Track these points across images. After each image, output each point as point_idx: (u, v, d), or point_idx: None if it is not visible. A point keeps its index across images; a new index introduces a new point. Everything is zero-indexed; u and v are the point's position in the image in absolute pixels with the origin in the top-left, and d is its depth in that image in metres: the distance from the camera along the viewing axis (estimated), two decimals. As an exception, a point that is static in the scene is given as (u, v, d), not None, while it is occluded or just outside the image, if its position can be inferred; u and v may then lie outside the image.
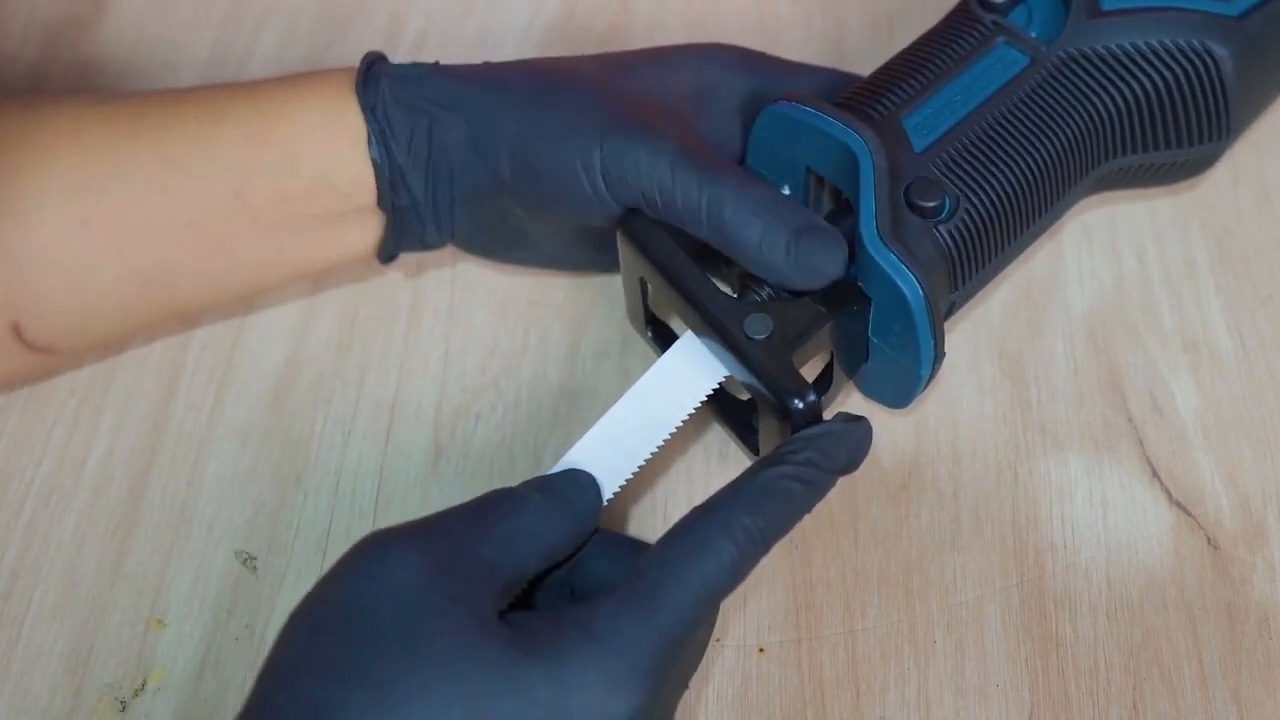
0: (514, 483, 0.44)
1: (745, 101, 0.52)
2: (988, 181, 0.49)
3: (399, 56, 0.56)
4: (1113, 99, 0.51)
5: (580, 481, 0.44)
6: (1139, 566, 0.51)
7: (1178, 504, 0.52)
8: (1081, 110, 0.50)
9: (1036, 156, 0.49)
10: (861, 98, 0.51)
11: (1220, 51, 0.51)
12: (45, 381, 0.56)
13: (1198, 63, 0.51)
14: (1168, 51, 0.51)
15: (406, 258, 0.58)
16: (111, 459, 0.54)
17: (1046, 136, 0.50)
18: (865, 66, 0.54)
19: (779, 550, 0.51)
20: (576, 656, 0.37)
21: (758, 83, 0.52)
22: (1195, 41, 0.51)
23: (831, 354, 0.49)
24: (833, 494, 0.52)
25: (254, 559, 0.52)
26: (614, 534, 0.45)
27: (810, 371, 0.48)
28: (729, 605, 0.50)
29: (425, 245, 0.54)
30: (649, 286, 0.50)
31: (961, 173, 0.48)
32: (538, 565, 0.42)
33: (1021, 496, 0.52)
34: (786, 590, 0.50)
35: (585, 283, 0.58)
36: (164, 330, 0.58)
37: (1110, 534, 0.51)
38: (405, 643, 0.37)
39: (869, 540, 0.52)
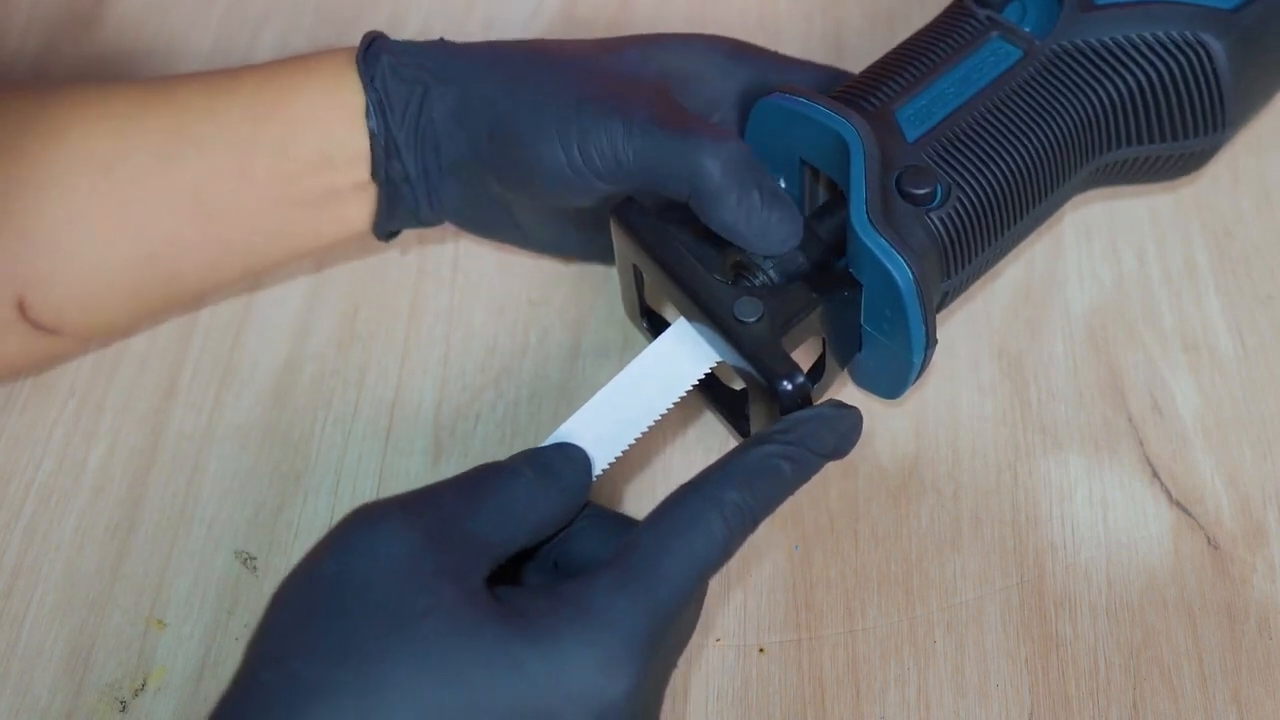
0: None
1: (737, 93, 0.52)
2: (980, 170, 0.49)
3: (399, 56, 0.56)
4: (1106, 92, 0.51)
5: (571, 455, 0.44)
6: (1139, 566, 0.51)
7: (1178, 504, 0.52)
8: (1075, 102, 0.51)
9: (1029, 147, 0.50)
10: (855, 90, 0.51)
11: (1214, 44, 0.51)
12: (46, 381, 0.56)
13: (1192, 55, 0.51)
14: (1161, 44, 0.51)
15: (407, 258, 0.58)
16: (111, 459, 0.54)
17: (1039, 127, 0.50)
18: (864, 64, 0.54)
19: (779, 550, 0.51)
20: (571, 635, 0.37)
21: (750, 75, 0.53)
22: (1189, 34, 0.51)
23: (824, 343, 0.49)
24: (832, 494, 0.52)
25: (254, 559, 0.52)
26: (603, 509, 0.44)
27: (804, 363, 0.48)
28: (729, 605, 0.50)
29: (420, 221, 0.54)
30: (643, 276, 0.51)
31: (953, 161, 0.49)
32: (526, 539, 0.41)
33: (1021, 496, 0.52)
34: (786, 590, 0.50)
35: (585, 283, 0.58)
36: (167, 315, 0.58)
37: (1110, 534, 0.51)
38: (394, 620, 0.37)
39: (869, 540, 0.52)
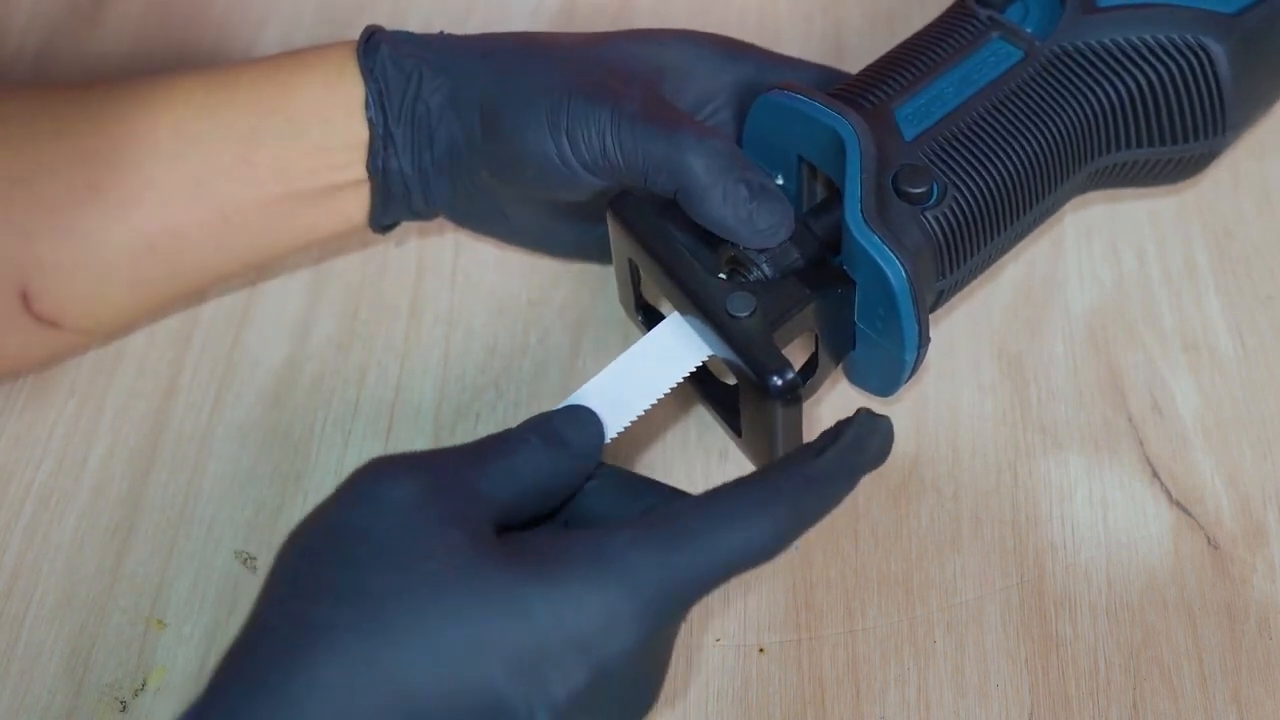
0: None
1: (729, 90, 0.52)
2: (976, 170, 0.49)
3: (399, 56, 0.56)
4: (1107, 94, 0.51)
5: (581, 418, 0.43)
6: (1139, 566, 0.51)
7: (1178, 504, 0.52)
8: (1074, 103, 0.51)
9: (1026, 147, 0.50)
10: (854, 88, 0.51)
11: (1216, 48, 0.51)
12: (45, 381, 0.56)
13: (1192, 59, 0.51)
14: (1162, 47, 0.51)
15: (407, 256, 0.58)
16: (111, 459, 0.54)
17: (1037, 128, 0.50)
18: (864, 65, 0.54)
19: (779, 550, 0.51)
20: (578, 579, 0.37)
21: (743, 72, 0.53)
22: (1190, 38, 0.51)
23: (817, 340, 0.49)
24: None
25: (254, 559, 0.52)
26: (618, 470, 0.44)
27: (798, 360, 0.48)
28: (729, 605, 0.50)
29: (415, 214, 0.55)
30: (639, 270, 0.51)
31: (950, 161, 0.49)
32: (535, 502, 0.41)
33: (1021, 496, 0.52)
34: (786, 590, 0.50)
35: (585, 283, 0.58)
36: (168, 309, 0.58)
37: (1110, 534, 0.51)
38: (398, 562, 0.37)
39: (869, 540, 0.52)
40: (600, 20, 0.68)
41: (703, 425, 0.55)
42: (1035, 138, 0.50)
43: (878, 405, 0.54)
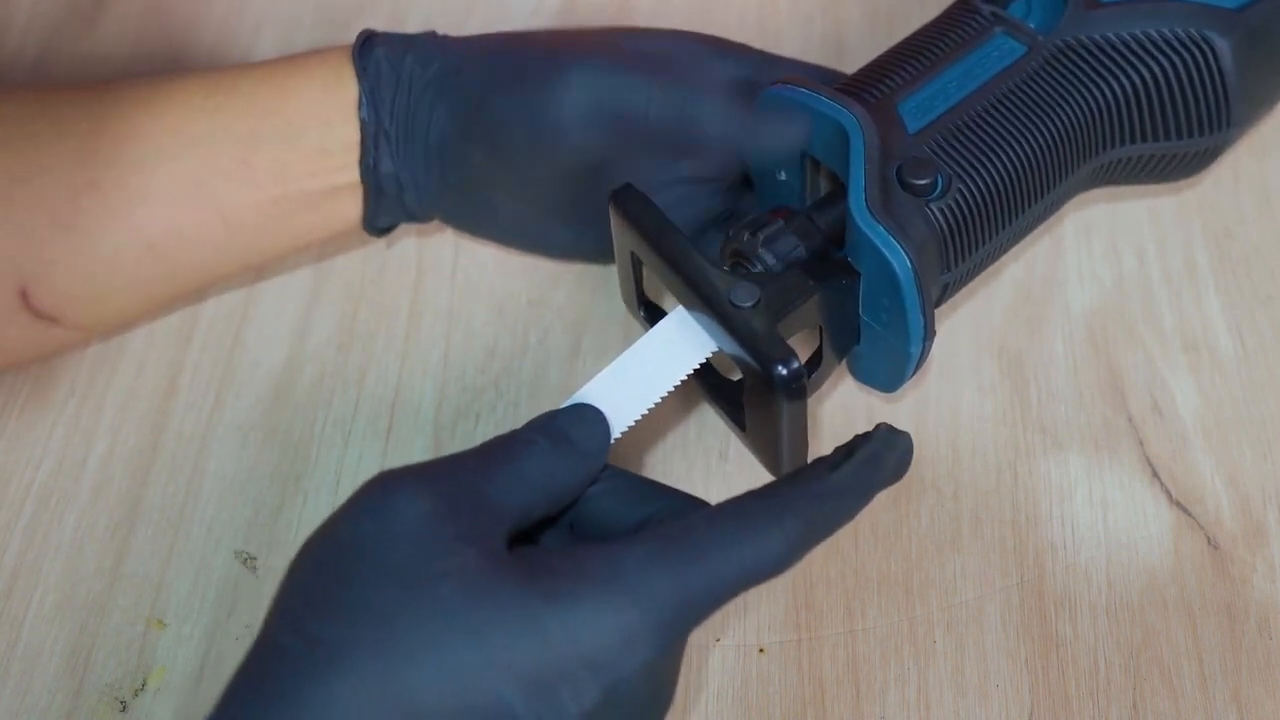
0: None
1: (725, 88, 0.52)
2: (981, 162, 0.49)
3: (399, 56, 0.56)
4: (1110, 87, 0.51)
5: (587, 418, 0.43)
6: (1139, 566, 0.51)
7: (1178, 504, 0.52)
8: (1077, 97, 0.51)
9: (1031, 141, 0.50)
10: (857, 83, 0.51)
11: (1220, 42, 0.51)
12: (45, 381, 0.56)
13: (1196, 53, 0.51)
14: (1166, 41, 0.51)
15: (407, 256, 0.58)
16: (111, 459, 0.54)
17: (1042, 122, 0.50)
18: (863, 65, 0.54)
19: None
20: (595, 598, 0.36)
21: (736, 71, 0.53)
22: (1194, 32, 0.51)
23: (822, 333, 0.49)
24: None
25: (254, 559, 0.52)
26: (623, 472, 0.43)
27: (802, 355, 0.48)
28: (729, 605, 0.50)
29: (408, 215, 0.55)
30: (641, 264, 0.51)
31: (955, 153, 0.49)
32: (545, 506, 0.41)
33: (1021, 496, 0.52)
34: (786, 590, 0.50)
35: (585, 283, 0.58)
36: (167, 308, 0.58)
37: (1110, 534, 0.51)
38: (411, 582, 0.36)
39: (869, 540, 0.52)
40: (600, 21, 0.68)
41: (703, 425, 0.55)
42: (1039, 131, 0.50)
43: (880, 402, 0.54)
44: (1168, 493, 0.52)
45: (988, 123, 0.50)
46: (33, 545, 0.52)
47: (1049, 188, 0.51)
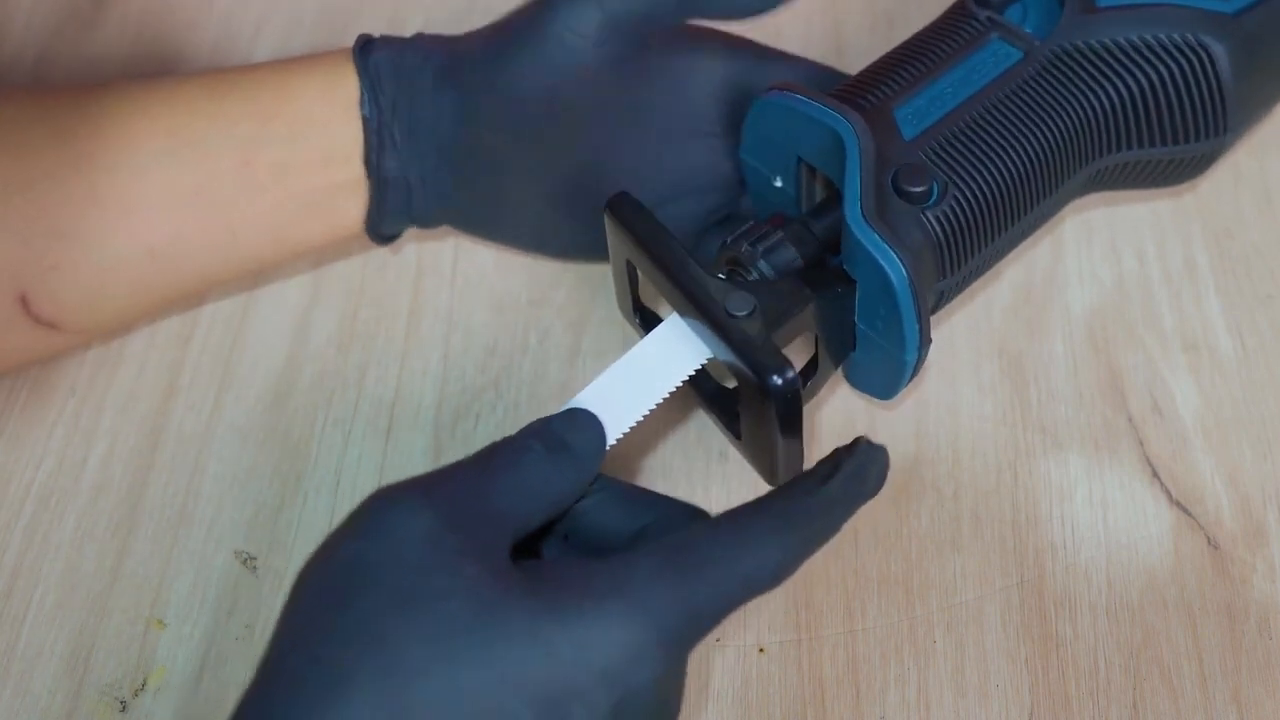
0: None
1: (726, 84, 0.53)
2: (977, 169, 0.49)
3: (399, 56, 0.56)
4: (1106, 93, 0.51)
5: (582, 423, 0.43)
6: (1139, 566, 0.51)
7: (1178, 504, 0.52)
8: (1074, 104, 0.51)
9: (1028, 147, 0.50)
10: (853, 89, 0.51)
11: (1216, 48, 0.51)
12: (45, 381, 0.56)
13: (1193, 58, 0.51)
14: (1162, 47, 0.51)
15: (406, 256, 0.58)
16: (111, 459, 0.54)
17: (1038, 128, 0.50)
18: (864, 65, 0.54)
19: (779, 550, 0.51)
20: (602, 612, 0.36)
21: (737, 67, 0.53)
22: (1191, 37, 0.51)
23: (817, 341, 0.49)
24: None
25: (254, 559, 0.52)
26: (615, 481, 0.43)
27: (798, 362, 0.48)
28: (729, 605, 0.50)
29: (413, 217, 0.54)
30: (636, 271, 0.51)
31: (951, 160, 0.49)
32: (545, 514, 0.41)
33: (1021, 496, 0.52)
34: (786, 590, 0.50)
35: (585, 283, 0.58)
36: (167, 311, 0.58)
37: (1110, 534, 0.51)
38: (417, 602, 0.36)
39: (869, 540, 0.52)
40: (600, 21, 0.68)
41: (703, 425, 0.55)
42: (1035, 138, 0.50)
43: (878, 405, 0.54)
44: (1168, 493, 0.52)
45: (983, 129, 0.49)
46: (33, 545, 0.52)
47: (1045, 194, 0.51)
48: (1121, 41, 0.51)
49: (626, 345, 0.56)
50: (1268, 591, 0.50)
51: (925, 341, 0.47)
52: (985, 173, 0.49)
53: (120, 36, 0.68)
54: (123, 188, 0.51)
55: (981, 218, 0.49)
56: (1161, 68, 0.51)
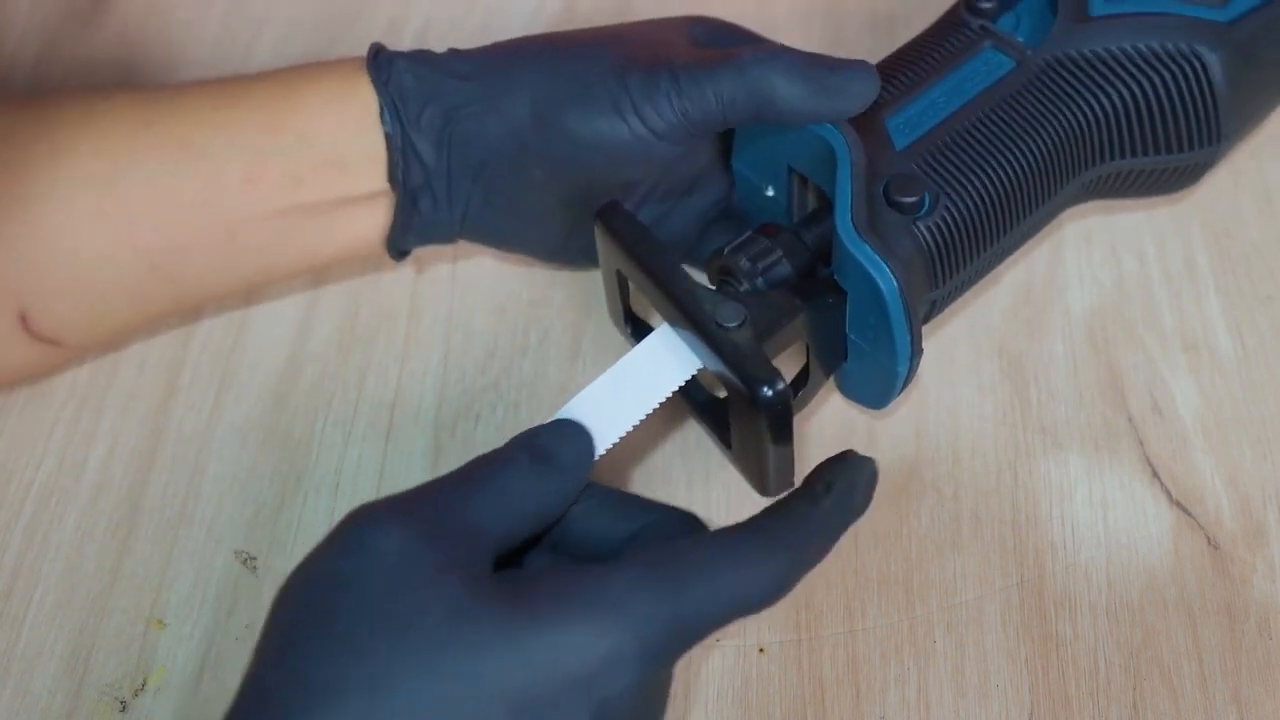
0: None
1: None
2: (968, 179, 0.49)
3: (399, 57, 0.56)
4: (1099, 102, 0.51)
5: (569, 434, 0.43)
6: (1139, 566, 0.51)
7: (1178, 504, 0.52)
8: (1067, 113, 0.51)
9: (1019, 157, 0.49)
10: None
11: (1210, 57, 0.51)
12: (45, 381, 0.56)
13: (1186, 67, 0.51)
14: (1156, 56, 0.51)
15: (406, 259, 0.58)
16: (111, 459, 0.54)
17: (1030, 137, 0.50)
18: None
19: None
20: (578, 619, 0.36)
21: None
22: (1184, 46, 0.51)
23: (808, 351, 0.49)
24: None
25: (254, 559, 0.52)
26: (606, 488, 0.43)
27: (789, 373, 0.48)
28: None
29: (432, 234, 0.53)
30: (627, 280, 0.51)
31: (942, 170, 0.49)
32: (530, 527, 0.41)
33: (1021, 496, 0.52)
34: (786, 590, 0.50)
35: (585, 283, 0.58)
36: (168, 323, 0.58)
37: (1110, 534, 0.51)
38: (396, 616, 0.36)
39: (869, 540, 0.52)
40: (600, 18, 0.67)
41: (702, 428, 0.55)
42: (1028, 147, 0.50)
43: (888, 414, 0.54)
44: (1168, 493, 0.52)
45: (975, 139, 0.49)
46: (33, 545, 0.52)
47: (1038, 203, 0.50)
48: (1115, 50, 0.51)
49: (626, 346, 0.57)
50: (1268, 591, 0.50)
51: (916, 352, 0.47)
52: (977, 183, 0.49)
53: (120, 36, 0.68)
54: (125, 202, 0.50)
55: (973, 228, 0.49)
56: (1155, 77, 0.51)
